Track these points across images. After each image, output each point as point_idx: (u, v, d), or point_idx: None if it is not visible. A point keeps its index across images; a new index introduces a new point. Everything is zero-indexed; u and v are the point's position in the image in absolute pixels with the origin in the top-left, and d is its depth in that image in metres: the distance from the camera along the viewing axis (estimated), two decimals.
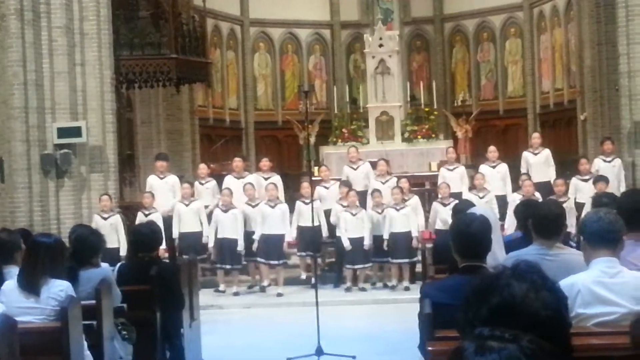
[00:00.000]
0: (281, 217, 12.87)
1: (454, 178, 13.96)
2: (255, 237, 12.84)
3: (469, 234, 4.30)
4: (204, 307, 9.58)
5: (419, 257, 12.70)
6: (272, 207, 12.84)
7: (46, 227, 12.36)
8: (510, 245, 5.75)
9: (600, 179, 12.54)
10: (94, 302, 5.74)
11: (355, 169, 14.46)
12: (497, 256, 5.40)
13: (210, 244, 12.99)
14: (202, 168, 14.43)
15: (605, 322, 3.93)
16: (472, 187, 13.60)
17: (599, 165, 13.45)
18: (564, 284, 3.94)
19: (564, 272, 4.17)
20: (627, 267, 4.15)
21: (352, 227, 12.85)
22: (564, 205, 11.42)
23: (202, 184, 14.02)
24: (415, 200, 13.27)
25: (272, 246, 12.77)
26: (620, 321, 3.91)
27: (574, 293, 3.92)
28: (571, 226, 11.51)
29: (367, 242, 12.79)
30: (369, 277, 13.23)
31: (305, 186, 13.27)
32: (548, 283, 2.02)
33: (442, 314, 3.96)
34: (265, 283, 12.91)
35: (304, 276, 13.31)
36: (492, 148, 14.37)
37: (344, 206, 13.06)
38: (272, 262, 12.83)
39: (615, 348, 3.76)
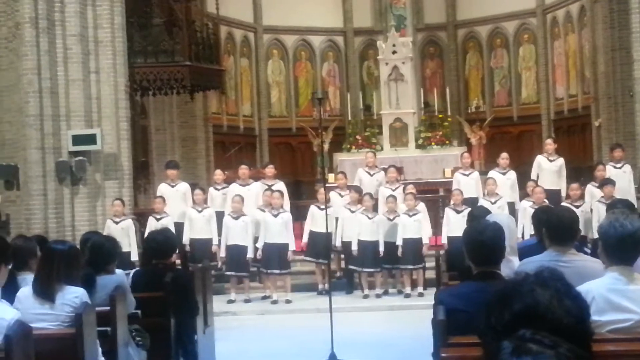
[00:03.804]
0: (284, 226, 12.83)
1: (469, 183, 13.93)
2: (259, 245, 12.84)
3: (482, 242, 4.29)
4: (218, 314, 9.60)
5: (427, 264, 12.70)
6: (275, 216, 12.82)
7: (61, 234, 12.43)
8: (525, 251, 5.73)
9: (607, 182, 12.53)
10: (108, 308, 5.76)
11: (371, 175, 14.45)
12: (512, 263, 5.39)
13: (222, 252, 12.99)
14: (218, 174, 14.44)
15: (619, 329, 3.91)
16: (484, 193, 13.57)
17: (610, 172, 13.42)
18: (579, 290, 3.92)
19: (578, 278, 4.14)
20: None
21: (367, 230, 12.84)
22: (579, 210, 11.46)
23: (217, 189, 14.05)
24: (421, 207, 13.23)
25: (274, 255, 12.75)
26: (634, 328, 3.90)
27: (588, 300, 3.86)
28: (586, 232, 11.50)
29: (382, 248, 12.78)
30: (382, 283, 13.21)
31: (322, 192, 13.28)
32: (572, 291, 2.03)
33: (456, 319, 3.96)
34: (274, 297, 12.89)
35: (321, 287, 13.25)
36: (504, 155, 14.30)
37: (352, 211, 13.05)
38: (274, 271, 12.82)
39: (632, 355, 3.74)
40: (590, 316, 2.05)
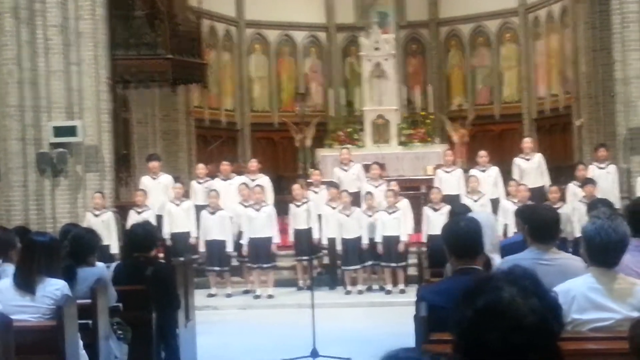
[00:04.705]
0: (267, 220, 12.83)
1: (451, 180, 13.97)
2: (243, 241, 12.82)
3: (458, 232, 4.35)
4: (199, 308, 9.58)
5: (410, 261, 12.73)
6: (257, 210, 12.82)
7: (41, 225, 12.35)
8: (509, 249, 5.75)
9: (588, 181, 12.59)
10: (89, 301, 5.74)
11: (346, 171, 14.46)
12: (494, 261, 5.41)
13: (201, 248, 12.96)
14: (201, 168, 14.43)
15: (600, 328, 3.93)
16: (467, 191, 13.60)
17: (594, 172, 13.48)
18: (560, 289, 3.94)
19: (560, 277, 4.18)
20: (627, 273, 4.14)
21: (347, 228, 12.84)
22: (559, 211, 11.50)
23: (199, 183, 14.04)
24: (404, 203, 13.24)
25: (259, 249, 12.74)
26: (615, 327, 3.91)
27: (569, 299, 3.92)
28: (567, 232, 11.56)
29: (365, 242, 12.78)
30: (365, 280, 13.22)
31: (295, 188, 13.29)
32: (539, 290, 1.99)
33: (437, 316, 3.98)
34: (257, 292, 12.87)
35: (301, 283, 13.24)
36: (482, 153, 14.35)
37: (333, 207, 13.05)
38: (260, 265, 12.80)
39: (613, 353, 3.77)
40: (560, 317, 2.03)
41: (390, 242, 12.72)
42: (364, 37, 20.75)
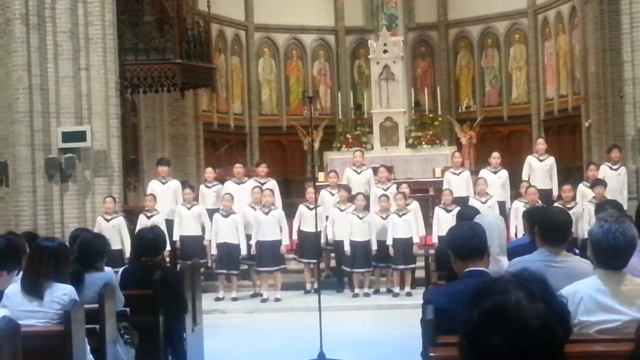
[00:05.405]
0: (275, 224, 12.83)
1: (459, 182, 13.95)
2: (252, 242, 12.83)
3: (461, 235, 4.37)
4: (207, 312, 9.59)
5: (417, 263, 12.71)
6: (266, 213, 12.82)
7: (50, 231, 12.39)
8: (516, 251, 5.73)
9: (598, 182, 12.56)
10: (97, 306, 5.75)
11: (358, 173, 14.46)
12: (502, 263, 5.39)
13: (213, 250, 12.97)
14: (209, 172, 14.45)
15: (607, 330, 3.92)
16: (474, 192, 13.59)
17: (605, 172, 13.46)
18: (567, 291, 3.92)
19: (569, 279, 4.16)
20: (633, 274, 4.12)
21: (358, 230, 12.83)
22: (572, 211, 11.48)
23: (208, 187, 14.05)
24: (414, 205, 13.23)
25: (267, 252, 12.74)
26: (622, 329, 3.90)
27: (576, 301, 3.91)
28: (576, 233, 11.52)
29: (374, 247, 12.78)
30: (372, 282, 13.21)
31: (310, 191, 13.26)
32: (546, 294, 1.98)
33: (444, 319, 3.97)
34: (265, 295, 12.87)
35: (308, 286, 13.24)
36: (495, 154, 14.34)
37: (341, 210, 13.04)
38: (267, 268, 12.81)
39: (619, 355, 3.75)
40: (566, 322, 2.01)
41: (401, 244, 12.72)
42: (373, 40, 20.75)
